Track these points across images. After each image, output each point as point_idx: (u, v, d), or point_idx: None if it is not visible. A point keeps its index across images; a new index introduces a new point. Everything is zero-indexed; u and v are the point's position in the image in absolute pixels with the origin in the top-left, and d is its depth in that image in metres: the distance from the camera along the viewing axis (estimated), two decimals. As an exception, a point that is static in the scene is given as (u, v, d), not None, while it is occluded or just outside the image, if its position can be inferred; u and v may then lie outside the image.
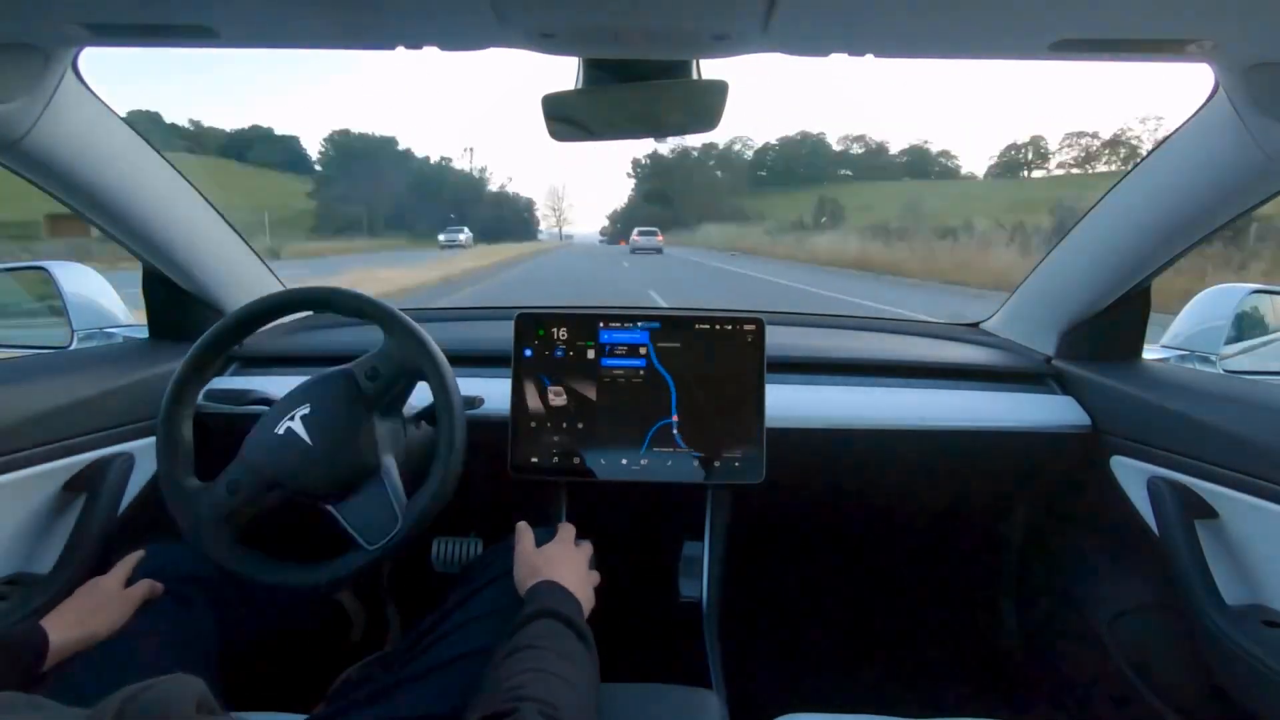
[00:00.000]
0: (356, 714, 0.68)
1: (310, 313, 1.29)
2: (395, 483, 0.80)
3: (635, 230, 27.63)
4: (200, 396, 0.91)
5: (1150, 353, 1.16)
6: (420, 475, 0.82)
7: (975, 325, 1.38)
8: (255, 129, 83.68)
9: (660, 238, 26.47)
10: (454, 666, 0.70)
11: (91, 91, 0.83)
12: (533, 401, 1.02)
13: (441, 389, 0.82)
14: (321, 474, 0.79)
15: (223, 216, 1.13)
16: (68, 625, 0.70)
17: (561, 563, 0.76)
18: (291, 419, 0.81)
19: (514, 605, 0.70)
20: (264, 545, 0.81)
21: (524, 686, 0.54)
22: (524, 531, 0.81)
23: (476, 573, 0.82)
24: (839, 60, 0.64)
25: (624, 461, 1.01)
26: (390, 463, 0.82)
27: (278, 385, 0.91)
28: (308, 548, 0.82)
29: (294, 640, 1.00)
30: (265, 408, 0.87)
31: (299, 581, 0.79)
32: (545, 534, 0.83)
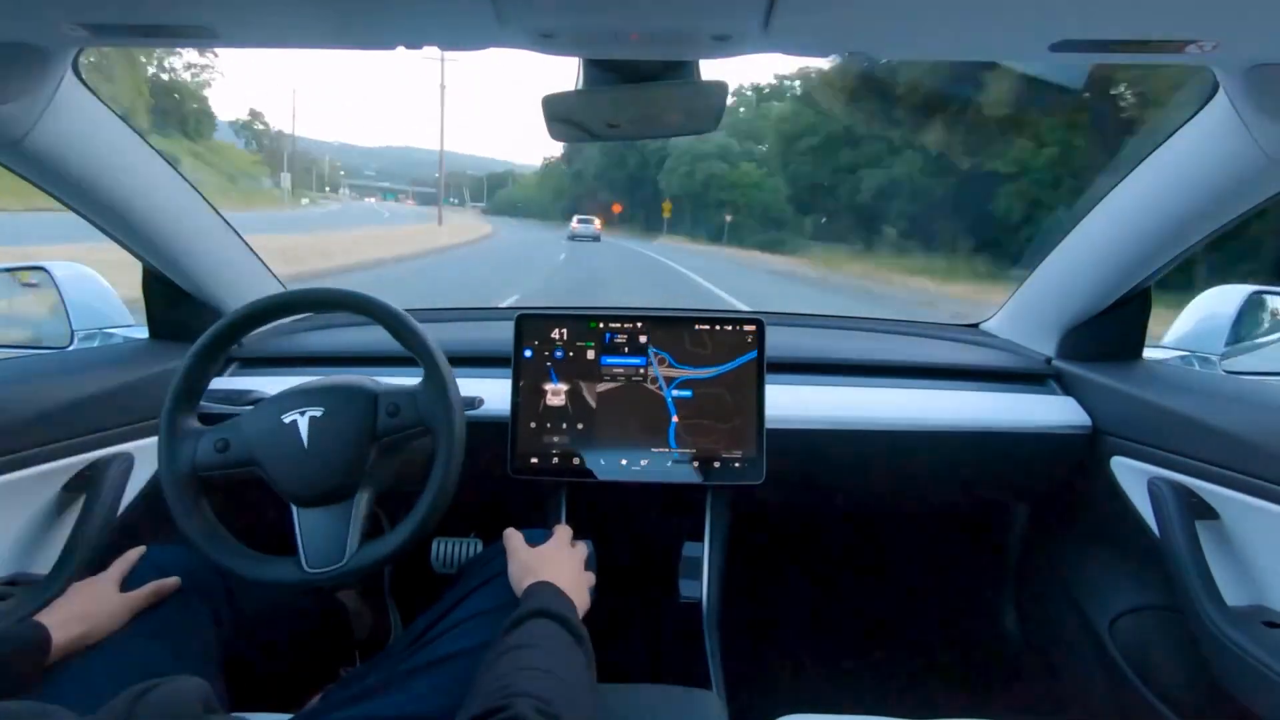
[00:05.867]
0: (345, 711, 0.68)
1: (310, 313, 1.29)
2: (359, 519, 0.81)
3: (574, 218, 28.92)
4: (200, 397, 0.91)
5: (1151, 353, 1.16)
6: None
7: (975, 326, 1.38)
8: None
9: (598, 225, 27.96)
10: (446, 665, 0.70)
11: (92, 91, 0.83)
12: (532, 402, 1.02)
13: (448, 439, 0.81)
14: (301, 477, 0.80)
15: (222, 217, 1.13)
16: (61, 625, 0.69)
17: (556, 563, 0.76)
18: (301, 414, 0.81)
19: (509, 604, 0.70)
20: (222, 519, 0.82)
21: (518, 684, 0.53)
22: (513, 536, 0.81)
23: (472, 572, 0.82)
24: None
25: (624, 462, 1.01)
26: (363, 499, 0.82)
27: (278, 385, 0.91)
28: (257, 536, 0.82)
29: (294, 640, 1.00)
30: None
31: (229, 563, 0.78)
32: (540, 535, 0.83)
